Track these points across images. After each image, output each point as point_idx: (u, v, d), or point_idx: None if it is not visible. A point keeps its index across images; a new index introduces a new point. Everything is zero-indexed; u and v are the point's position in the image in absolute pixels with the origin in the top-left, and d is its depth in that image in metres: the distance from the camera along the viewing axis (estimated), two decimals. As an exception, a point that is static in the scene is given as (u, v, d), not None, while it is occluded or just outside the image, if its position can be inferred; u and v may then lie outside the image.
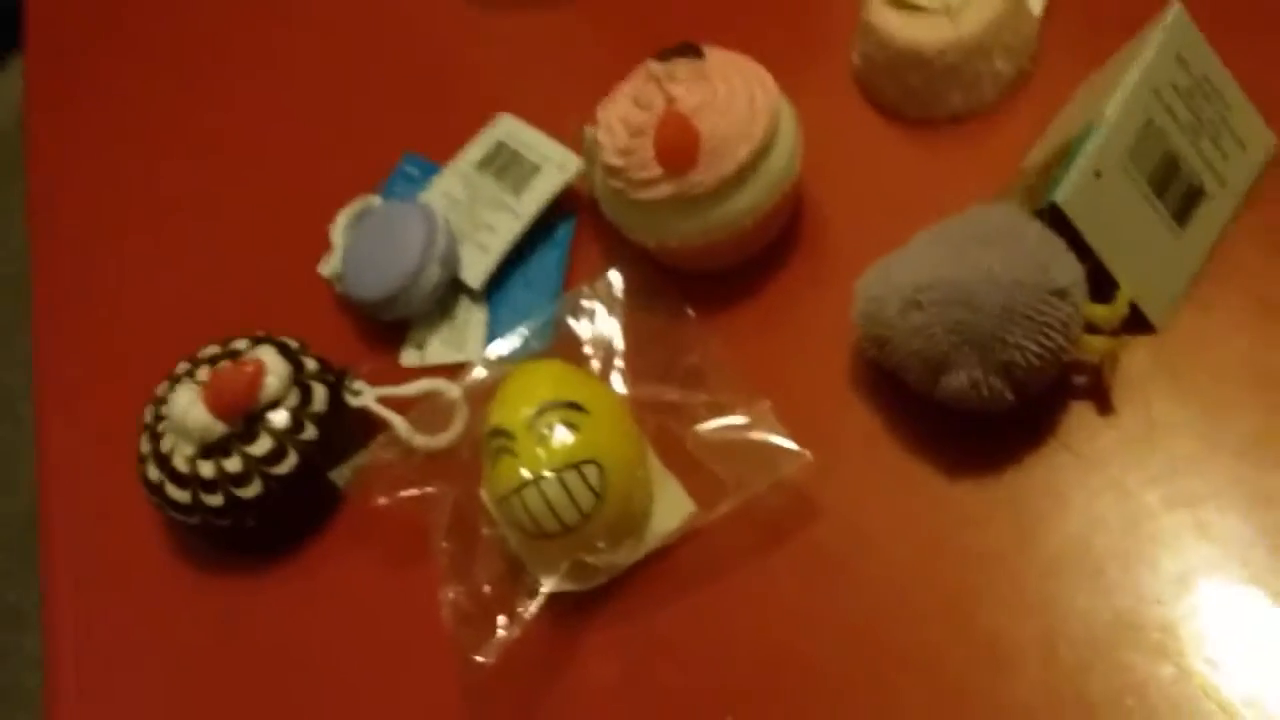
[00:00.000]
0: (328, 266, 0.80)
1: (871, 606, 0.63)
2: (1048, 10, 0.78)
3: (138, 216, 0.89)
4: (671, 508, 0.67)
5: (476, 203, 0.79)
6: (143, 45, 0.98)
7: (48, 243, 0.90)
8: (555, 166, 0.79)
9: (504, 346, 0.73)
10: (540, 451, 0.63)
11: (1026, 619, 0.61)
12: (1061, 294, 0.61)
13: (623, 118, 0.71)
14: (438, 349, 0.77)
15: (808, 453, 0.65)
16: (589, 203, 0.78)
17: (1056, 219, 0.63)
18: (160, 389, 0.73)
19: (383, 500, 0.69)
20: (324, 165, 0.87)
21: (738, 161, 0.69)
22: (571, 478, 0.63)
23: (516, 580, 0.66)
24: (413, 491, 0.69)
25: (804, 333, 0.72)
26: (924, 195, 0.71)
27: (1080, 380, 0.66)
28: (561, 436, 0.63)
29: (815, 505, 0.66)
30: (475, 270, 0.78)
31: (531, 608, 0.64)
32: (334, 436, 0.71)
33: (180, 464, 0.70)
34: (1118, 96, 0.65)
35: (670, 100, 0.69)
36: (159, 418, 0.72)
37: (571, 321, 0.72)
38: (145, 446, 0.72)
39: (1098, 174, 0.64)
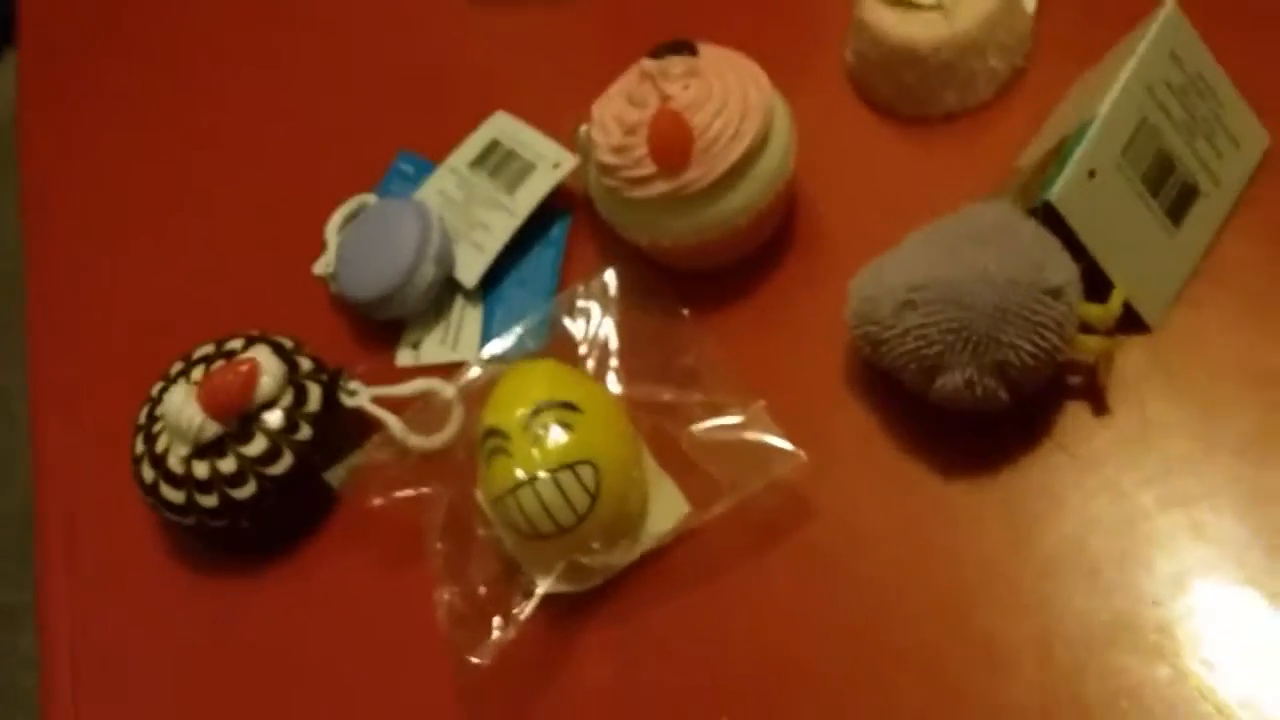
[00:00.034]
0: (322, 265, 0.80)
1: (866, 607, 0.63)
2: (1042, 7, 0.78)
3: (132, 215, 0.89)
4: (666, 508, 0.67)
5: (471, 201, 0.79)
6: (137, 42, 0.97)
7: (42, 241, 0.90)
8: (550, 164, 0.79)
9: (499, 346, 0.73)
10: (535, 452, 0.63)
11: (1022, 620, 0.61)
12: (1056, 293, 0.61)
13: (617, 116, 0.71)
14: (432, 348, 0.77)
15: (802, 453, 0.65)
16: (584, 201, 0.78)
17: (1051, 218, 0.63)
18: (155, 389, 0.73)
19: (378, 501, 0.69)
20: (319, 163, 0.86)
21: (731, 160, 0.68)
22: (566, 478, 0.63)
23: (511, 581, 0.66)
24: (408, 492, 0.69)
25: (799, 332, 0.72)
26: (918, 193, 0.71)
27: (1075, 380, 0.66)
28: (556, 437, 0.63)
29: (810, 505, 0.66)
30: (470, 269, 0.77)
31: (526, 609, 0.64)
32: (329, 437, 0.71)
33: (175, 464, 0.70)
34: (1111, 94, 0.65)
35: (664, 98, 0.69)
36: (153, 418, 0.72)
37: (566, 321, 0.72)
38: (140, 447, 0.72)
39: (1092, 173, 0.64)
